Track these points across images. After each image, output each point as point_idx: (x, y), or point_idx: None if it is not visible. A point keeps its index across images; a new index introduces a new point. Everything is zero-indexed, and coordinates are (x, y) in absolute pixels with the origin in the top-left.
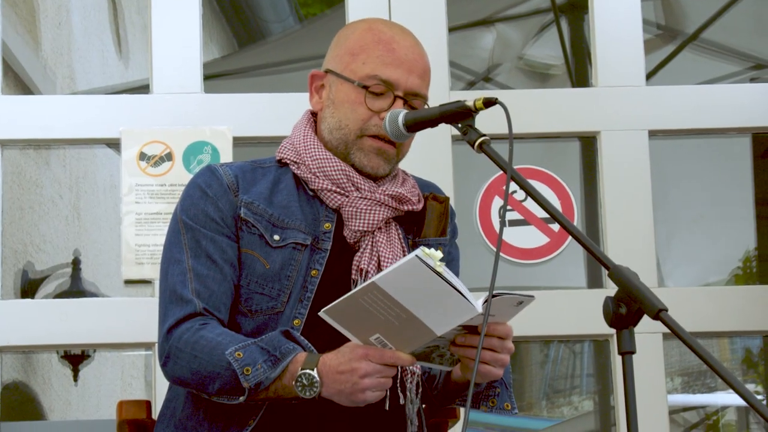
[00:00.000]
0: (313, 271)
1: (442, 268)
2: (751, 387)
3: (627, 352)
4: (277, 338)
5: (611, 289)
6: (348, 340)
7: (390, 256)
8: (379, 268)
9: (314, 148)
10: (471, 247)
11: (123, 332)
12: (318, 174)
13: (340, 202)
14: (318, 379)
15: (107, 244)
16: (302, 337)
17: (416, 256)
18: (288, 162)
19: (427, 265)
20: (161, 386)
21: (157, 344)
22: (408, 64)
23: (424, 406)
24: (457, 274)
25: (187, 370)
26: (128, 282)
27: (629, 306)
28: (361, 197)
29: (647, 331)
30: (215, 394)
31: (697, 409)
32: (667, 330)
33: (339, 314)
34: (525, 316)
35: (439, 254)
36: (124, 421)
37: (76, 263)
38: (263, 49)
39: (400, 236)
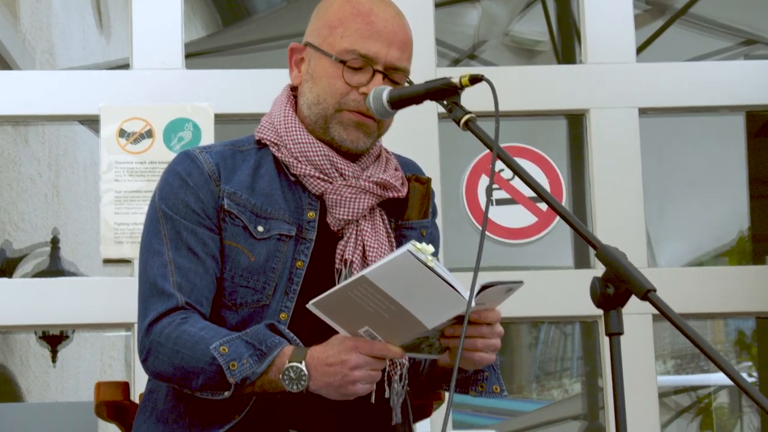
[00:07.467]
0: (299, 263)
1: (433, 262)
2: (744, 369)
3: (614, 333)
4: (263, 332)
5: (599, 269)
6: (336, 333)
7: (375, 246)
8: (364, 258)
9: (295, 130)
10: (457, 226)
11: (102, 312)
12: (300, 158)
13: (323, 188)
14: (306, 372)
15: (87, 222)
16: (288, 331)
17: (408, 251)
18: (268, 143)
19: (419, 260)
20: (141, 367)
21: (136, 339)
22: (387, 36)
23: (408, 389)
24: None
25: (169, 365)
26: (107, 261)
27: (617, 286)
28: (345, 185)
29: (636, 312)
30: (198, 389)
31: (689, 392)
32: (656, 311)
33: (328, 307)
34: (512, 297)
35: (431, 248)
36: (102, 403)
37: (55, 242)
38: (248, 28)
39: (385, 223)
